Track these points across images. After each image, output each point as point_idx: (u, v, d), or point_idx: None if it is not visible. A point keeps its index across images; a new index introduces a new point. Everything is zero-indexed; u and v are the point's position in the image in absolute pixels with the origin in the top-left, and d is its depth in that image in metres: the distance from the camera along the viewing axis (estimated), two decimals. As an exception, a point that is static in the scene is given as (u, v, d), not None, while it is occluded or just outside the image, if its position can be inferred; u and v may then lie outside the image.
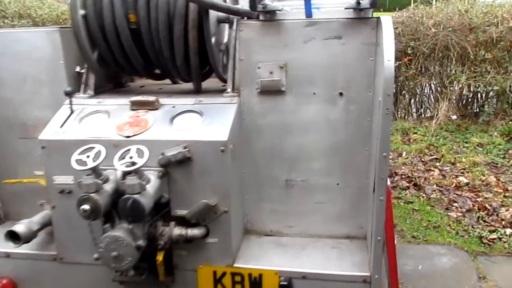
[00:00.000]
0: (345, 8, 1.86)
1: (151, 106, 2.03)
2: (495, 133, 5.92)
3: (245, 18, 2.02)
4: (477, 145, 5.65)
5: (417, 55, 6.15)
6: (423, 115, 6.85)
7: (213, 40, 2.07)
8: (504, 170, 4.99)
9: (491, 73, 5.94)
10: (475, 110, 6.58)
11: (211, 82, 2.34)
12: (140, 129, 1.93)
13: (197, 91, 2.25)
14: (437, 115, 6.19)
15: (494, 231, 3.71)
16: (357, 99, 1.96)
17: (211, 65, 2.11)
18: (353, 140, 2.00)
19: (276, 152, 2.08)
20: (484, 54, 5.93)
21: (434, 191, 4.56)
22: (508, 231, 3.69)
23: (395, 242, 2.08)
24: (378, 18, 1.81)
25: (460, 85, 6.05)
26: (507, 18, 5.87)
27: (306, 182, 2.09)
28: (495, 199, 4.27)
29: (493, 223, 3.85)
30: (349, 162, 2.03)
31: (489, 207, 4.10)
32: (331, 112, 1.99)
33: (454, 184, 4.62)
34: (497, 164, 5.14)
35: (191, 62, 2.03)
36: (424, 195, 4.52)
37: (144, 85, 2.65)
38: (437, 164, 5.19)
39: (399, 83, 6.61)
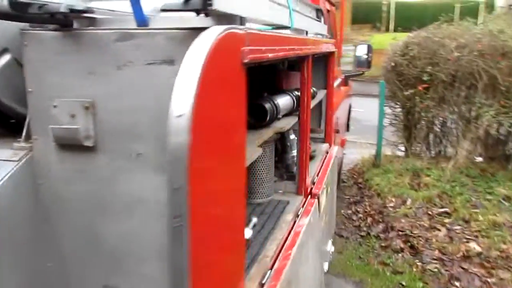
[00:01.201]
0: (162, 10, 1.05)
1: None
2: (529, 184, 4.79)
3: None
4: (503, 198, 4.55)
5: (436, 83, 5.14)
6: (443, 152, 5.77)
7: (6, 58, 1.32)
8: (533, 237, 3.89)
9: (527, 108, 4.84)
10: (507, 152, 5.44)
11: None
12: None
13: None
14: (456, 155, 5.13)
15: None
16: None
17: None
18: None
19: (89, 241, 1.28)
20: (519, 85, 4.86)
21: (434, 259, 3.56)
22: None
23: None
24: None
25: (487, 122, 4.97)
26: (551, 43, 4.78)
27: (134, 294, 1.28)
28: (514, 281, 3.22)
29: (504, 320, 2.83)
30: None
31: (502, 293, 3.07)
32: (167, 186, 1.17)
33: (461, 253, 3.59)
34: (525, 227, 4.04)
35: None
36: (419, 263, 3.53)
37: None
38: (446, 220, 4.15)
39: (414, 114, 5.60)
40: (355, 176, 5.78)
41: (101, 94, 1.18)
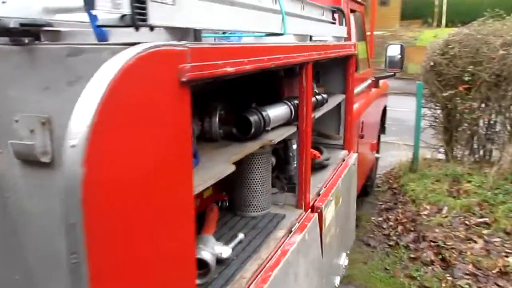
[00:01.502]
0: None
1: None
2: None
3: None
4: (553, 209, 4.15)
5: (478, 83, 4.78)
6: (487, 157, 5.36)
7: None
8: None
9: None
10: (560, 158, 4.96)
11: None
12: None
13: None
14: (500, 160, 4.74)
15: None
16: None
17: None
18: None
19: (52, 255, 1.27)
20: None
21: (467, 274, 3.30)
22: None
23: None
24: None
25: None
26: None
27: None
28: (556, 303, 2.92)
29: None
30: None
31: (541, 317, 2.78)
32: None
33: (498, 268, 3.31)
34: None
35: None
36: (450, 278, 3.29)
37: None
38: (485, 231, 3.84)
39: (455, 116, 5.24)
40: (390, 180, 5.52)
41: (56, 110, 1.15)
